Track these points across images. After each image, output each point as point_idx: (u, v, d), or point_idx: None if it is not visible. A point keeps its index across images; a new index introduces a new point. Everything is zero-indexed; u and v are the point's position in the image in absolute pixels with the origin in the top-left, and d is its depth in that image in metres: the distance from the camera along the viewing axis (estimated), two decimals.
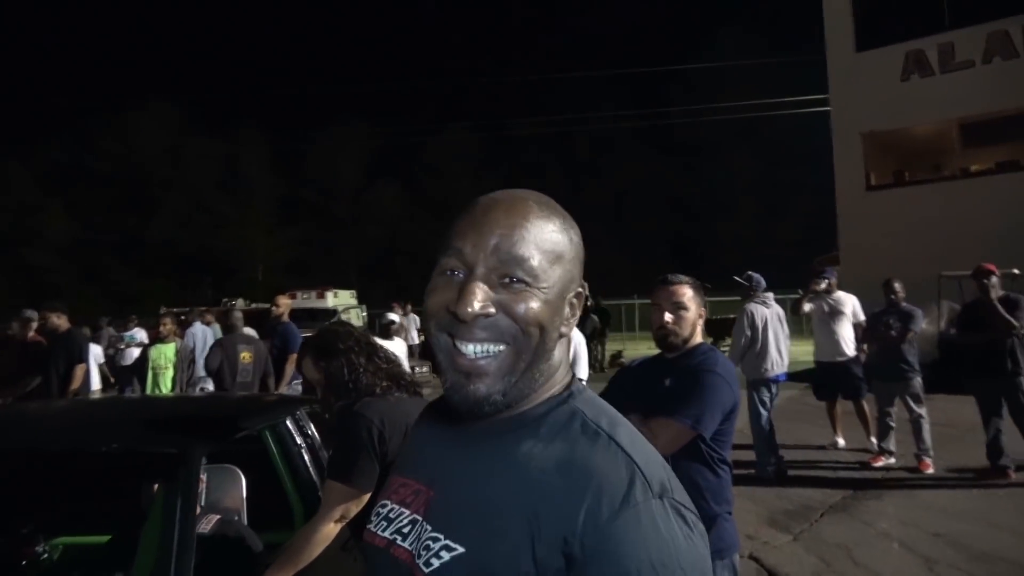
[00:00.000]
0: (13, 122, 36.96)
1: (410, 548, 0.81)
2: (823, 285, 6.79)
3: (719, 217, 43.58)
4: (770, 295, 6.33)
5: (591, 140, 46.44)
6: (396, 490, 0.91)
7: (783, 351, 6.18)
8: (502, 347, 0.80)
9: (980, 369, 5.84)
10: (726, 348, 10.48)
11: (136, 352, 10.19)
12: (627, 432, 0.81)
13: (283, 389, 6.90)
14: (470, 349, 0.79)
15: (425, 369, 10.43)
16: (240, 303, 17.14)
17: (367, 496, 2.13)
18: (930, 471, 6.02)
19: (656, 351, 2.48)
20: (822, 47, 15.39)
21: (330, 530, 2.10)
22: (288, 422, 2.69)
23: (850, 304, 6.87)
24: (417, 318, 15.57)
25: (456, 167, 43.17)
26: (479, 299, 0.78)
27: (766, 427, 6.11)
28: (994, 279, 5.80)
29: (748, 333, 6.08)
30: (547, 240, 0.82)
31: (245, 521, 2.63)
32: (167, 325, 7.94)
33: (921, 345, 6.69)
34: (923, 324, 6.53)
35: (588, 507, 0.71)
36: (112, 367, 10.96)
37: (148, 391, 7.71)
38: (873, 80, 14.18)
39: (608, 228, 39.78)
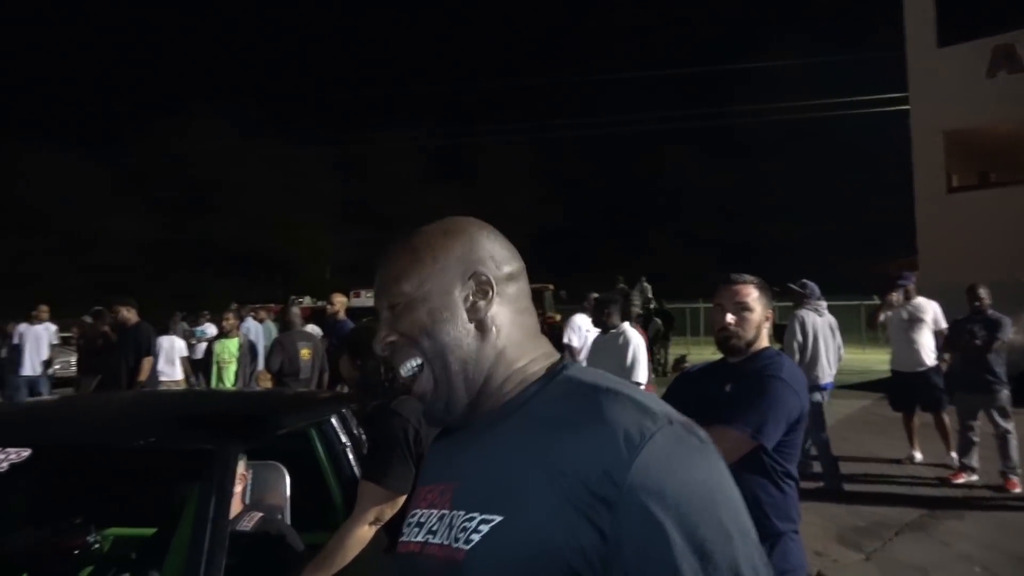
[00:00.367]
0: (89, 126, 38.97)
1: (444, 542, 0.82)
2: (899, 297, 6.60)
3: (782, 218, 42.58)
4: (823, 303, 6.21)
5: (656, 141, 46.07)
6: (424, 497, 0.93)
7: (832, 361, 6.05)
8: (417, 360, 0.90)
9: None
10: None
11: (204, 347, 10.50)
12: (626, 385, 0.85)
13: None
14: (401, 373, 0.92)
15: None
16: (307, 301, 17.51)
17: (402, 498, 2.05)
18: (1017, 490, 5.71)
19: (720, 356, 2.32)
20: (894, 44, 14.89)
21: (364, 532, 2.02)
22: (334, 420, 2.65)
23: (931, 311, 6.63)
24: None
25: (509, 169, 43.54)
26: (382, 334, 0.93)
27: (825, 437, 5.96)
28: None
29: (800, 339, 5.95)
30: (408, 261, 0.92)
31: (288, 520, 2.59)
32: (230, 320, 8.10)
33: (1009, 355, 6.34)
34: (1011, 333, 6.17)
35: (609, 450, 0.74)
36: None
37: (212, 384, 7.91)
38: (956, 77, 13.58)
39: (674, 231, 39.39)
